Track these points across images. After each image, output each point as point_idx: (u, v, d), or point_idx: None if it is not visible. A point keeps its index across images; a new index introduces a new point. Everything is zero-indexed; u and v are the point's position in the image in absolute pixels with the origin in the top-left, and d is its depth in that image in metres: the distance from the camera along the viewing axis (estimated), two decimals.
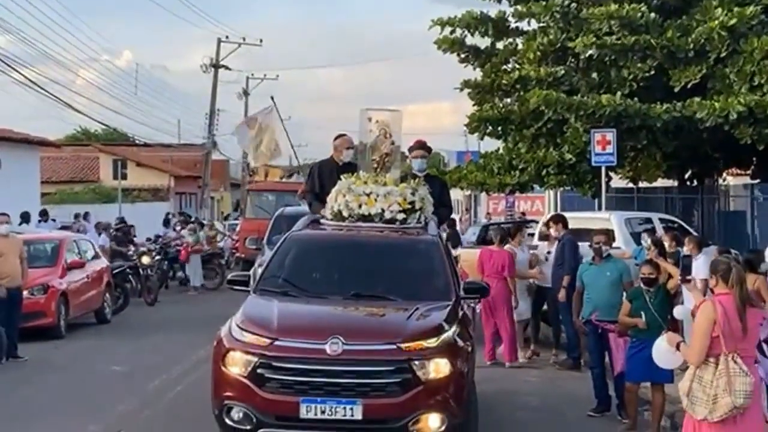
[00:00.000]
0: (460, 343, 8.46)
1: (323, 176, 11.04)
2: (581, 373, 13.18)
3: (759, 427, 6.81)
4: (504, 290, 14.41)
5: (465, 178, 24.15)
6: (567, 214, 16.16)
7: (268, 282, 9.43)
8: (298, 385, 7.99)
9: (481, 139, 25.47)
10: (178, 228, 29.75)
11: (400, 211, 10.04)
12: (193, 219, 33.51)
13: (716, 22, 19.85)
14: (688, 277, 9.56)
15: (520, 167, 22.64)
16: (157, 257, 25.54)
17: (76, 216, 29.23)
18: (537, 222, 20.97)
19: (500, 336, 14.54)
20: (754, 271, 10.54)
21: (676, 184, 26.06)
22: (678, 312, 12.05)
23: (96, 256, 20.12)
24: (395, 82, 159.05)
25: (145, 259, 23.33)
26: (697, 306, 6.86)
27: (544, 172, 22.21)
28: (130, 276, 22.29)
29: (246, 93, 61.73)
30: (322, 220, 10.48)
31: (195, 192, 54.47)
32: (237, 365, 8.18)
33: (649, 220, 17.60)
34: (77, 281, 18.24)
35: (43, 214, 26.95)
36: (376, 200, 10.07)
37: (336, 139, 11.43)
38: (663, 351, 7.40)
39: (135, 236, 27.66)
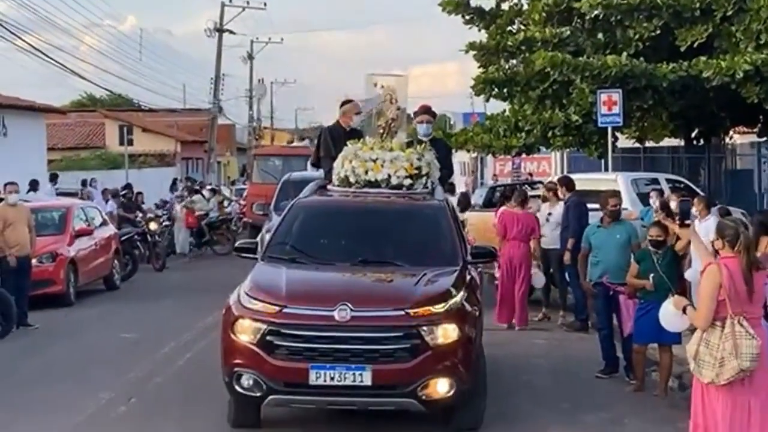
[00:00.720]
0: (468, 308, 8.51)
1: (334, 142, 10.95)
2: (589, 335, 13.20)
3: (767, 390, 6.83)
4: (528, 253, 14.48)
5: (471, 140, 24.06)
6: (574, 176, 16.15)
7: (275, 249, 9.48)
8: (307, 351, 8.04)
9: (487, 101, 25.47)
10: (185, 194, 29.79)
11: (406, 177, 10.06)
12: (197, 183, 33.53)
13: None
14: (687, 222, 9.54)
15: (526, 129, 22.53)
16: (165, 223, 25.62)
17: (83, 182, 29.33)
18: (543, 183, 20.98)
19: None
20: None
21: (682, 143, 26.01)
22: (689, 275, 12.20)
23: (104, 223, 20.16)
24: (400, 44, 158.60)
25: (153, 225, 23.38)
26: (703, 269, 6.87)
27: (550, 133, 22.12)
28: (138, 242, 22.36)
29: (251, 57, 61.81)
30: (329, 187, 10.52)
31: (201, 157, 54.48)
32: (246, 333, 8.24)
33: (655, 181, 17.58)
34: (85, 248, 18.31)
35: (53, 179, 27.12)
36: (382, 166, 10.09)
37: (343, 104, 11.39)
38: (670, 314, 7.44)
39: (143, 203, 27.74)
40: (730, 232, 6.79)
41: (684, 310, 7.07)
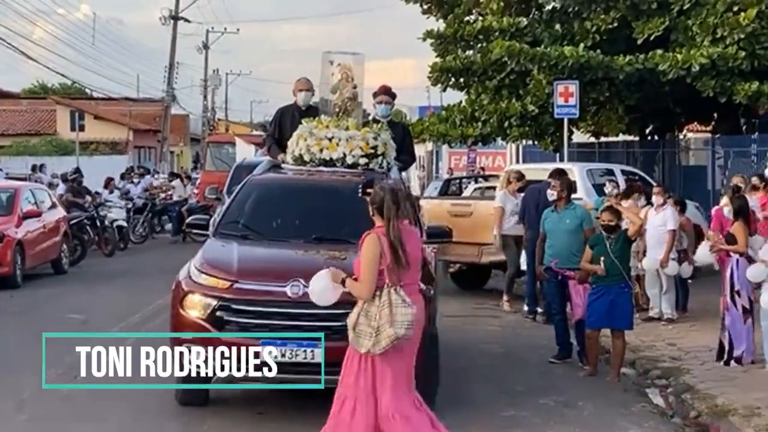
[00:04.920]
0: (422, 285, 8.37)
1: (284, 121, 10.93)
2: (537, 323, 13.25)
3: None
4: None
5: (427, 130, 23.98)
6: (529, 165, 16.14)
7: (227, 225, 9.35)
8: (257, 328, 7.88)
9: (444, 90, 25.23)
10: (136, 180, 29.54)
11: (362, 156, 9.95)
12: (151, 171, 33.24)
13: None
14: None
15: (482, 119, 22.46)
16: (122, 211, 25.13)
17: (33, 168, 28.93)
18: (497, 176, 20.95)
19: None
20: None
21: (637, 139, 26.12)
22: (647, 264, 12.36)
23: (53, 206, 19.84)
24: (358, 37, 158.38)
25: (116, 212, 23.27)
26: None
27: (506, 123, 22.04)
28: (87, 227, 22.02)
29: (206, 47, 61.31)
30: (283, 165, 10.38)
31: (154, 146, 53.94)
32: (196, 308, 8.09)
33: (611, 172, 17.54)
34: (33, 231, 17.98)
35: None
36: (338, 144, 9.97)
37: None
38: (320, 288, 6.88)
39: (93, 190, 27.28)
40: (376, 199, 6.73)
41: (343, 282, 6.76)
